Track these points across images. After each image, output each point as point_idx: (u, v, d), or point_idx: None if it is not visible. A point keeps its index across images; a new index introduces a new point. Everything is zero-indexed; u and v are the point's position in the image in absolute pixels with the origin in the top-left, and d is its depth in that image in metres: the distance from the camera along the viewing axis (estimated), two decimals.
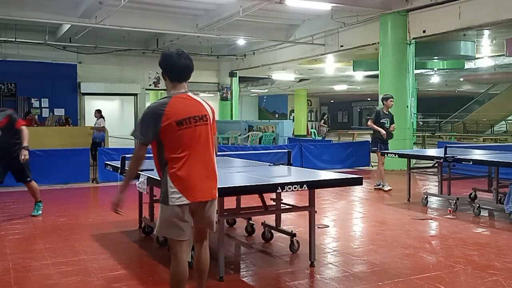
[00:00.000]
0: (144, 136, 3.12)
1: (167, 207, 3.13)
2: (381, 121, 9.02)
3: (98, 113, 13.57)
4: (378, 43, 12.70)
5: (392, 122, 9.13)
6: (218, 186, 4.17)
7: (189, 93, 3.30)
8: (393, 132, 9.13)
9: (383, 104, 9.16)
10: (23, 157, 6.32)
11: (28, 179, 6.72)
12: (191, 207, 3.16)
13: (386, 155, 8.54)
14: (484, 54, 18.66)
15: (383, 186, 8.97)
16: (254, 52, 18.79)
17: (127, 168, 3.45)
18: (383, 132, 8.85)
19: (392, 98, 9.19)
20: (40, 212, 6.88)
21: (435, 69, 20.22)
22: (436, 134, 22.38)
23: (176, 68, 3.23)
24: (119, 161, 5.17)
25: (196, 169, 3.16)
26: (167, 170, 3.13)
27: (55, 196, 8.63)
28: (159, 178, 4.43)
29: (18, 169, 6.55)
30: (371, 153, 11.74)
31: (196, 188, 3.15)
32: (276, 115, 37.69)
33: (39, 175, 9.73)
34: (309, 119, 37.85)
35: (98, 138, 13.04)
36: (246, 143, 17.16)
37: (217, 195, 3.32)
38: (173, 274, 3.28)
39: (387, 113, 9.09)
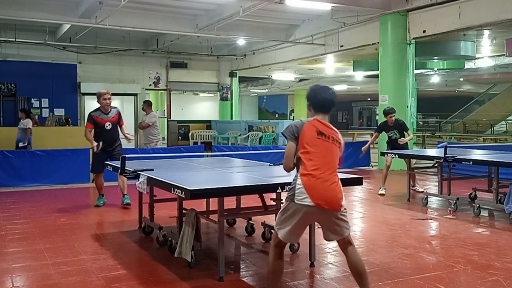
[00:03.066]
0: None
1: None
2: (389, 134, 8.76)
3: (24, 113, 12.21)
4: (378, 43, 12.70)
5: (402, 131, 8.72)
6: (218, 186, 4.18)
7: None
8: (401, 142, 8.68)
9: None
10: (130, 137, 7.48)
11: None
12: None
13: (387, 157, 8.44)
14: (484, 54, 18.66)
15: (380, 188, 8.79)
16: (254, 52, 18.79)
17: None
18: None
19: (392, 113, 8.64)
20: (129, 201, 7.32)
21: (435, 69, 20.23)
22: (436, 134, 22.37)
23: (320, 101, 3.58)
24: (119, 161, 5.19)
25: None
26: None
27: (55, 196, 8.63)
28: (159, 178, 4.46)
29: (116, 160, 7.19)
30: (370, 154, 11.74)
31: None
32: (276, 115, 37.69)
33: (39, 175, 9.80)
34: None
35: (22, 141, 11.69)
36: (246, 143, 17.15)
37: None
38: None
39: (391, 125, 8.68)
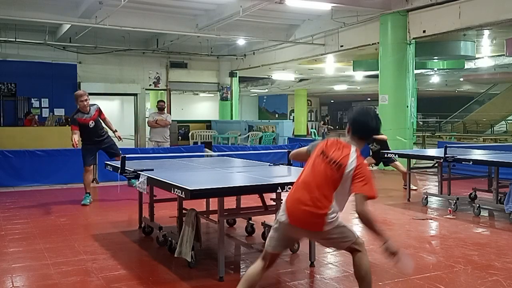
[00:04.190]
0: None
1: None
2: (370, 146, 8.88)
3: None
4: (378, 43, 12.69)
5: (381, 144, 8.80)
6: (218, 186, 4.17)
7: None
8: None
9: None
10: (121, 136, 7.99)
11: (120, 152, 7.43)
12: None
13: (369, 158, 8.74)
14: (484, 54, 18.66)
15: None
16: (254, 52, 18.79)
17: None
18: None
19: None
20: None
21: (435, 69, 20.22)
22: (436, 134, 22.37)
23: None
24: (119, 161, 5.18)
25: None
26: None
27: (55, 196, 8.63)
28: (159, 178, 4.46)
29: (109, 147, 7.70)
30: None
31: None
32: (276, 115, 37.69)
33: (39, 175, 9.80)
34: (309, 119, 37.83)
35: None
36: (246, 143, 17.15)
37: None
38: None
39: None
